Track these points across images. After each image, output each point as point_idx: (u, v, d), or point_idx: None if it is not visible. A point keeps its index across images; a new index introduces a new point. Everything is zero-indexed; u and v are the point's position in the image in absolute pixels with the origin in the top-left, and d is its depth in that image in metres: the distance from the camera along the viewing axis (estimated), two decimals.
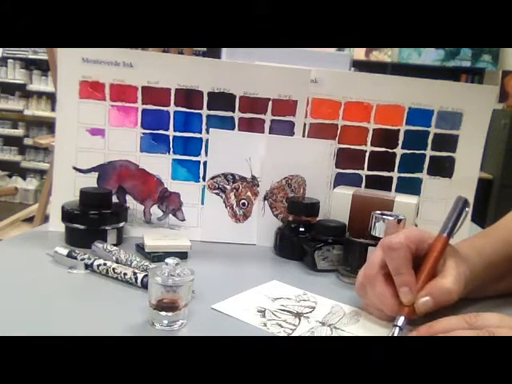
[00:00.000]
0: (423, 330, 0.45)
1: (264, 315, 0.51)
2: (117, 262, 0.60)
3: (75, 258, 0.59)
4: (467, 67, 3.84)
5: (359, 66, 3.37)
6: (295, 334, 0.48)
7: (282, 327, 0.49)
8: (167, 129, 0.74)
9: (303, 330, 0.48)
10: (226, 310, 0.51)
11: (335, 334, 0.48)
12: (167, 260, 0.47)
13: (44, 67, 4.06)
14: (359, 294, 0.53)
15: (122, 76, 0.72)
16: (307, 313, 0.52)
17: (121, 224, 0.70)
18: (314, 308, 0.54)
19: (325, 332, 0.48)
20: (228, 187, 0.75)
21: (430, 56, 3.84)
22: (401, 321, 0.48)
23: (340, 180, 0.77)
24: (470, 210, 0.54)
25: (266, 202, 0.76)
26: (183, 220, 0.76)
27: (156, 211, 0.75)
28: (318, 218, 0.71)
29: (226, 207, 0.76)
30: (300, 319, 0.51)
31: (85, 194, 0.68)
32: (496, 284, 0.58)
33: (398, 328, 0.47)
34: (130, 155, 0.74)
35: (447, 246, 0.52)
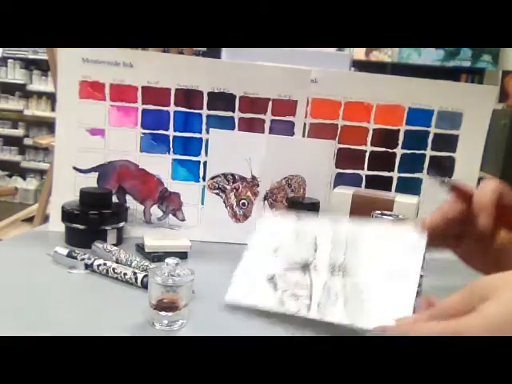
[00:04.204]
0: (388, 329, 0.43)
1: (276, 286, 0.50)
2: (117, 261, 0.60)
3: (75, 258, 0.59)
4: (467, 67, 3.84)
5: (359, 65, 3.38)
6: (312, 303, 0.48)
7: (297, 299, 0.48)
8: (167, 129, 0.74)
9: (318, 293, 0.48)
10: (241, 300, 0.50)
11: (348, 283, 0.48)
12: (167, 260, 0.47)
13: (44, 67, 4.06)
14: None
15: (122, 76, 0.72)
16: (312, 260, 0.51)
17: (121, 224, 0.70)
18: (315, 246, 0.52)
19: (338, 283, 0.48)
20: (228, 187, 0.75)
21: (430, 56, 3.83)
22: None
23: (340, 180, 0.77)
24: None
25: (266, 201, 0.76)
26: (183, 220, 0.75)
27: (156, 211, 0.75)
28: None
29: (226, 207, 0.75)
30: (309, 272, 0.50)
31: (85, 194, 0.68)
32: None
33: None
34: (130, 155, 0.74)
35: None
